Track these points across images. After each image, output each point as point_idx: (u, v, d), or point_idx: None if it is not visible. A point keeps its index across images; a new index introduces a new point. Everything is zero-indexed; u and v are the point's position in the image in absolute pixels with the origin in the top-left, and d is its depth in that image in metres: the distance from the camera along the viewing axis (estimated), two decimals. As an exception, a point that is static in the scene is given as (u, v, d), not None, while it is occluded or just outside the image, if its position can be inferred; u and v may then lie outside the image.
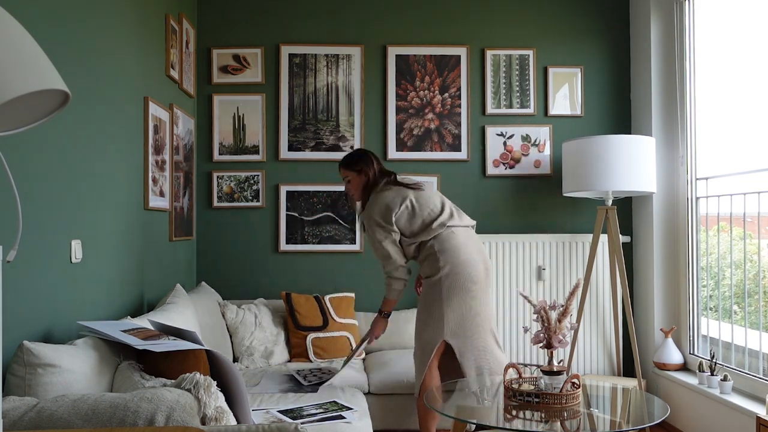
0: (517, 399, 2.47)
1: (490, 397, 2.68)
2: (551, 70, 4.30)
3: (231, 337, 3.64)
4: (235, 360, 3.60)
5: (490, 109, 4.27)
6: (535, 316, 2.60)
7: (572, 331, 3.54)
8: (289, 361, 3.71)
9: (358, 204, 3.28)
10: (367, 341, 3.32)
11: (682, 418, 3.67)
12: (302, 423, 2.52)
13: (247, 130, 4.22)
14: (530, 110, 4.29)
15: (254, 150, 4.22)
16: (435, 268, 3.03)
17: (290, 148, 4.23)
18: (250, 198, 4.21)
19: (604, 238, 4.12)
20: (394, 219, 3.06)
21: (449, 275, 3.00)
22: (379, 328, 3.26)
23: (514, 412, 2.42)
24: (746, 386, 3.26)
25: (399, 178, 3.21)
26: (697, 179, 3.80)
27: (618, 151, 3.66)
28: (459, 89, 4.28)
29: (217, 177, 4.19)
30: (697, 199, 3.80)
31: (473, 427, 2.95)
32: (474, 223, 3.23)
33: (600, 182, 3.70)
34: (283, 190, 4.22)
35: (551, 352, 2.54)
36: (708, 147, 3.74)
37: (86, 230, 2.51)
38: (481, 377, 2.98)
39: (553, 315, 2.56)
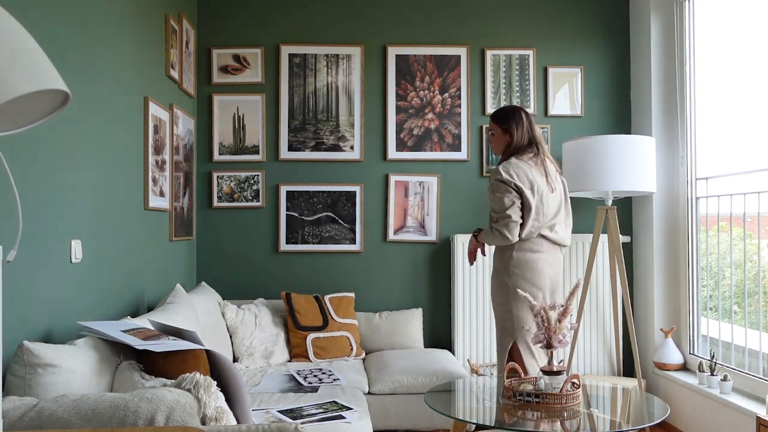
0: (517, 399, 2.47)
1: (489, 397, 2.69)
2: (551, 70, 4.30)
3: (231, 337, 3.64)
4: (235, 360, 3.60)
5: (490, 109, 4.27)
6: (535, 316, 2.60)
7: (572, 331, 3.54)
8: (289, 361, 3.71)
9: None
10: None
11: (682, 418, 3.67)
12: (302, 423, 2.52)
13: (247, 130, 4.22)
14: (530, 110, 4.28)
15: (254, 150, 4.22)
16: (505, 263, 3.02)
17: (290, 148, 4.23)
18: (250, 198, 4.21)
19: (604, 238, 4.12)
20: (513, 186, 2.94)
21: (516, 275, 3.01)
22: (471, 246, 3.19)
23: (514, 412, 2.42)
24: (746, 386, 3.26)
25: (542, 154, 3.05)
26: (697, 179, 3.80)
27: (618, 151, 3.66)
28: (459, 89, 4.28)
29: (217, 177, 4.19)
30: (697, 199, 3.80)
31: (473, 427, 2.96)
32: (566, 245, 3.14)
33: (600, 182, 3.70)
34: (283, 190, 4.22)
35: (551, 352, 2.54)
36: (708, 147, 3.74)
37: (86, 230, 2.51)
38: None
39: (553, 315, 2.56)
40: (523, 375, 2.83)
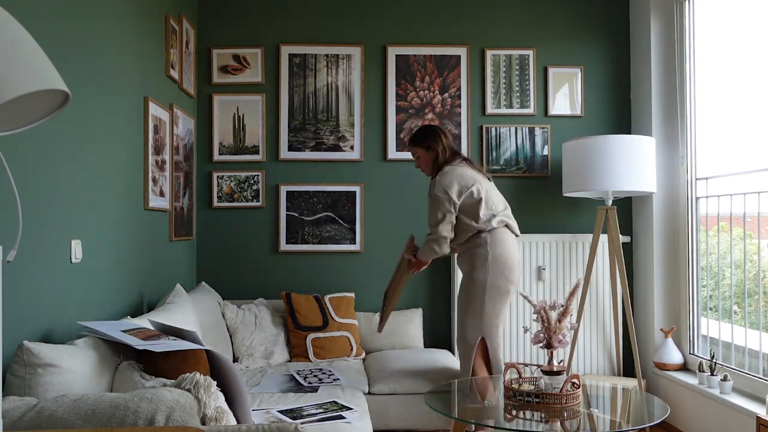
0: (517, 399, 2.47)
1: (490, 397, 2.69)
2: (551, 70, 4.30)
3: (231, 337, 3.64)
4: (235, 360, 3.60)
5: (490, 109, 4.27)
6: (535, 316, 2.61)
7: (572, 331, 3.54)
8: (289, 361, 3.71)
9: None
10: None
11: (682, 418, 3.67)
12: (302, 423, 2.52)
13: (247, 130, 4.22)
14: (530, 110, 4.28)
15: (254, 150, 4.22)
16: (481, 261, 3.06)
17: (290, 148, 4.23)
18: (250, 198, 4.21)
19: (604, 238, 4.12)
20: (458, 195, 3.08)
21: (494, 272, 3.06)
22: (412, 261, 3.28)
23: (514, 412, 2.42)
24: (746, 386, 3.26)
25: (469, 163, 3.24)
26: (697, 179, 3.80)
27: (618, 151, 3.66)
28: (459, 89, 4.28)
29: (217, 177, 4.19)
30: (697, 199, 3.80)
31: (473, 427, 2.96)
32: (519, 234, 3.30)
33: (600, 182, 3.70)
34: (283, 190, 4.22)
35: (551, 352, 2.54)
36: (708, 147, 3.74)
37: (86, 230, 2.51)
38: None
39: (553, 315, 2.56)
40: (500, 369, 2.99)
